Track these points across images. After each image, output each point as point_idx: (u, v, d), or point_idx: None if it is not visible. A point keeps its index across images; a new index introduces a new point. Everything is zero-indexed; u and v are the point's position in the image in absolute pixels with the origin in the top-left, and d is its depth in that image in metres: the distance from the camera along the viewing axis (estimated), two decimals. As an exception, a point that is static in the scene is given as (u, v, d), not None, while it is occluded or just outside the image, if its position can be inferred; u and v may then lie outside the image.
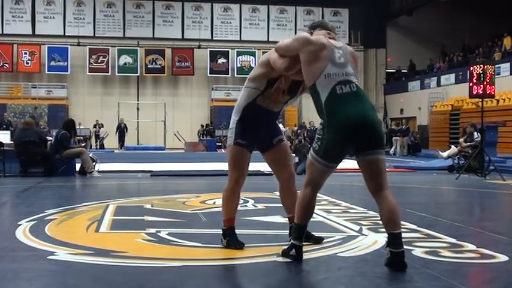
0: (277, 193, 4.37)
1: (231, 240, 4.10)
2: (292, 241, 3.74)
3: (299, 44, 3.73)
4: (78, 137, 23.28)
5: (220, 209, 3.93)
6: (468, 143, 12.91)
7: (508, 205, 8.15)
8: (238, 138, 4.00)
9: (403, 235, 4.60)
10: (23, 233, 4.71)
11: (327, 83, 3.58)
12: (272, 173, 4.47)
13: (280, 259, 3.78)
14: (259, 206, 6.51)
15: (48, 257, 3.81)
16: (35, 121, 22.72)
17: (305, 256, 3.81)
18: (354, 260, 3.82)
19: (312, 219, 5.31)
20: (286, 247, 3.82)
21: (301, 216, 3.71)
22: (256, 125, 4.05)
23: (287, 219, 4.42)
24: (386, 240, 3.61)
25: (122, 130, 27.53)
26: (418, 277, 3.37)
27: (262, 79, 3.97)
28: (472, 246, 4.16)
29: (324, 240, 4.31)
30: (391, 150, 21.98)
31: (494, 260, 3.78)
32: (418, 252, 3.98)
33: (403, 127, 23.65)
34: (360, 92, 3.62)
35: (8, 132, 15.49)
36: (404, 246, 3.52)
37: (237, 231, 4.22)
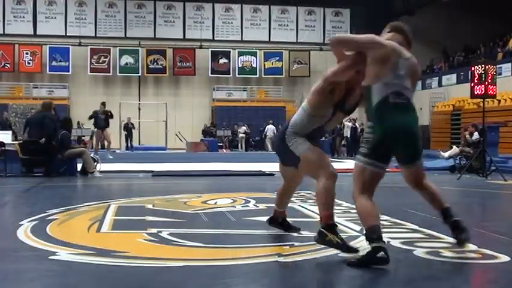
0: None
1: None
2: (374, 244, 3.49)
3: (372, 43, 3.70)
4: (83, 137, 23.18)
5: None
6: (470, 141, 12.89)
7: (510, 205, 8.14)
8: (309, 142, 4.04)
9: (405, 235, 4.64)
10: (24, 233, 4.70)
11: (382, 90, 3.65)
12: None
13: (282, 259, 3.78)
14: (261, 206, 6.49)
15: (49, 257, 3.81)
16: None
17: (305, 256, 3.82)
18: (355, 260, 3.81)
19: (312, 219, 5.35)
20: (357, 258, 3.59)
21: (369, 220, 3.60)
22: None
23: (275, 206, 4.62)
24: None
25: (129, 130, 27.38)
26: (420, 277, 3.37)
27: (326, 106, 3.96)
28: (473, 247, 4.15)
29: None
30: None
31: (495, 261, 3.78)
32: (419, 252, 3.98)
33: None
34: (410, 106, 3.75)
35: (9, 132, 15.39)
36: (406, 247, 3.53)
37: (237, 231, 4.23)
